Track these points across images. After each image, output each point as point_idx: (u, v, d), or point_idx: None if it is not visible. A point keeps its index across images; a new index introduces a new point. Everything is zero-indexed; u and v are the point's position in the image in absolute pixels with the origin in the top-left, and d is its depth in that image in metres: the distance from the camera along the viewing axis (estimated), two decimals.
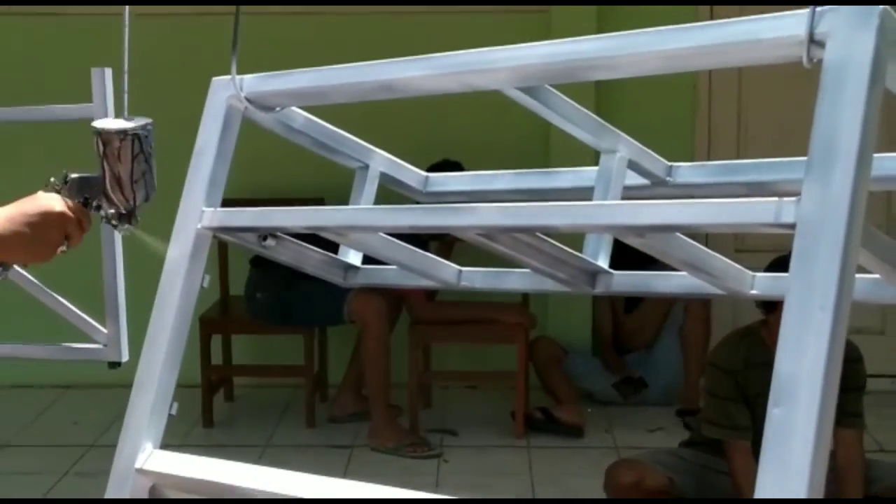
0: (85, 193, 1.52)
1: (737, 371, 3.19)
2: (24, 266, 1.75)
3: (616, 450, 4.31)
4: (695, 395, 4.67)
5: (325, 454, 4.11)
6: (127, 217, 1.49)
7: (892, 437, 4.42)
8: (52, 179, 1.55)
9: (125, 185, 1.45)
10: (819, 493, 0.80)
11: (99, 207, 1.54)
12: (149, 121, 1.49)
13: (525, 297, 4.83)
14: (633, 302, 5.02)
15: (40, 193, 1.53)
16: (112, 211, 1.51)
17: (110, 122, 1.50)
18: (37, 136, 4.22)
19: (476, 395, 4.84)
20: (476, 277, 1.57)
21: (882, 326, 5.19)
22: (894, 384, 5.12)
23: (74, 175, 1.53)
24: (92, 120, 2.05)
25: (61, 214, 1.51)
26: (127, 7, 1.75)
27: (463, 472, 4.10)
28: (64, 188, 1.54)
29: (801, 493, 0.78)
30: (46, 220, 1.50)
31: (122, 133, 1.44)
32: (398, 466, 4.11)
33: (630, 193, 1.50)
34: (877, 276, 1.15)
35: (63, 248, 1.54)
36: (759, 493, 0.81)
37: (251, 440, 4.35)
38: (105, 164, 1.48)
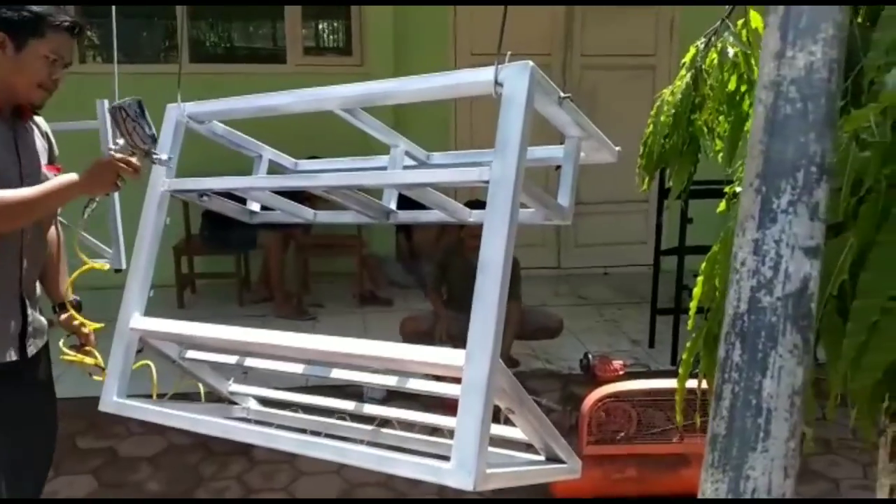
0: (128, 150, 1.61)
1: (445, 264, 4.10)
2: (104, 196, 1.81)
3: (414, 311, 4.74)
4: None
5: (250, 321, 4.24)
6: (146, 155, 1.56)
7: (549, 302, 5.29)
8: (110, 147, 1.69)
9: (130, 135, 1.56)
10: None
11: (133, 153, 1.62)
12: (131, 99, 1.54)
13: (359, 229, 5.35)
14: (409, 233, 5.67)
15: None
16: (138, 150, 1.59)
17: (114, 103, 1.57)
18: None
19: (333, 286, 5.45)
20: (324, 216, 1.75)
21: (543, 241, 6.06)
22: (548, 272, 6.07)
23: (120, 141, 1.62)
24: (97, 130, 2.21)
25: (109, 162, 1.66)
26: (114, 8, 1.79)
27: (327, 329, 4.64)
28: (114, 147, 1.66)
29: (491, 331, 0.96)
30: (100, 166, 1.68)
31: (113, 109, 1.56)
32: (289, 325, 4.59)
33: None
34: (532, 209, 1.31)
35: (122, 183, 1.71)
36: (473, 321, 0.99)
37: (206, 316, 4.67)
38: (118, 128, 1.57)
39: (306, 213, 1.73)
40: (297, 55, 5.72)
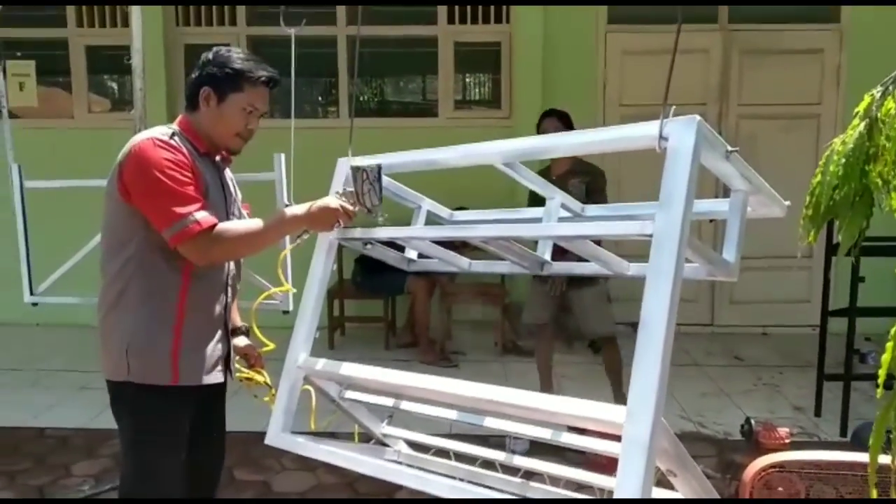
0: (351, 199, 1.72)
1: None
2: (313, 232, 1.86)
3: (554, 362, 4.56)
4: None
5: (396, 365, 3.68)
6: (369, 211, 1.67)
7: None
8: (336, 190, 1.77)
9: (360, 195, 1.66)
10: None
11: (354, 204, 1.71)
12: (375, 164, 1.63)
13: (502, 279, 5.43)
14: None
15: (331, 196, 1.78)
16: (361, 208, 1.69)
17: (355, 162, 1.68)
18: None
19: (475, 334, 5.53)
20: (479, 266, 1.82)
21: (695, 296, 5.89)
22: (699, 329, 5.80)
23: (348, 189, 1.72)
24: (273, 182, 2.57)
25: (335, 209, 1.74)
26: (293, 68, 2.07)
27: (468, 377, 4.20)
28: (343, 194, 1.76)
29: (654, 388, 0.96)
30: (327, 210, 1.75)
31: (355, 169, 1.65)
32: (431, 371, 4.17)
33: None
34: (696, 264, 1.30)
35: (338, 225, 1.77)
36: (634, 375, 0.98)
37: (354, 358, 4.13)
38: (354, 184, 1.67)
39: (462, 263, 1.79)
40: (448, 108, 5.92)
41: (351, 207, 1.70)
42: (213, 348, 2.01)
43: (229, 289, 2.07)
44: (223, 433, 2.23)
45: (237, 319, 2.25)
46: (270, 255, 1.93)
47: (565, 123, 3.90)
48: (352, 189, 1.66)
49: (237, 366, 2.18)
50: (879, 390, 1.16)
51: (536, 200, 3.86)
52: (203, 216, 1.80)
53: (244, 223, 1.91)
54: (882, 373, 1.15)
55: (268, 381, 2.13)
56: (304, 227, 1.83)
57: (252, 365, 2.19)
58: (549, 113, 4.00)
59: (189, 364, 1.94)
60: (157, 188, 1.79)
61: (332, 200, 1.74)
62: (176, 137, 1.89)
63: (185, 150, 1.87)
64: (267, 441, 1.58)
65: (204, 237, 1.80)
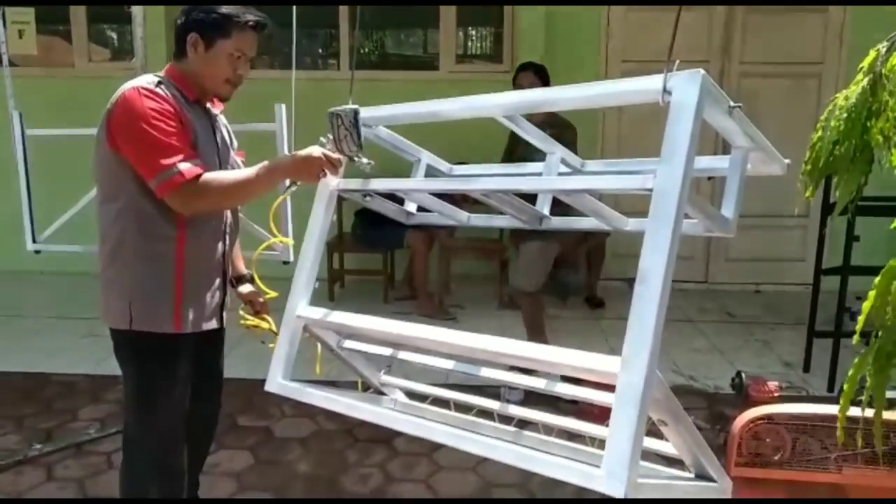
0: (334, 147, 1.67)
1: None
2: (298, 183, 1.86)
3: (548, 317, 4.54)
4: (593, 290, 5.37)
5: (395, 318, 3.51)
6: (351, 159, 1.64)
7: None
8: (321, 139, 1.74)
9: (338, 142, 1.63)
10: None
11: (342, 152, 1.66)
12: (351, 108, 1.59)
13: (501, 234, 5.41)
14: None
15: (314, 146, 1.75)
16: (344, 155, 1.66)
17: (333, 109, 1.62)
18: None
19: (474, 288, 5.55)
20: (478, 220, 1.80)
21: (691, 253, 5.81)
22: (694, 286, 5.76)
23: (329, 135, 1.67)
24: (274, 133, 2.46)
25: (318, 158, 1.72)
26: (294, 16, 1.98)
27: (466, 330, 4.88)
28: (325, 142, 1.73)
29: (648, 340, 0.95)
30: (309, 159, 1.74)
31: (331, 114, 1.61)
32: (430, 324, 4.18)
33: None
34: (695, 220, 1.29)
35: (323, 175, 1.74)
36: (630, 327, 0.97)
37: (354, 310, 4.10)
38: (332, 130, 1.63)
39: (461, 216, 1.77)
40: (450, 62, 5.86)
41: (336, 156, 1.68)
42: (212, 296, 2.03)
43: (227, 237, 2.07)
44: (220, 381, 2.25)
45: (241, 267, 2.26)
46: (269, 206, 1.92)
47: (541, 78, 3.84)
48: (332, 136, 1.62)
49: (241, 312, 2.19)
50: (856, 337, 1.17)
51: (512, 156, 3.97)
52: (187, 167, 1.78)
53: (229, 174, 1.88)
54: (861, 319, 1.15)
55: (273, 327, 2.15)
56: (289, 178, 1.82)
57: (258, 312, 2.21)
58: (525, 66, 3.94)
59: (190, 312, 1.96)
60: (143, 139, 1.77)
61: (315, 150, 1.71)
62: (162, 86, 1.86)
63: (171, 99, 1.84)
64: (267, 387, 1.60)
65: (188, 188, 1.78)
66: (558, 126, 3.67)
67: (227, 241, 2.08)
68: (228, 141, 2.10)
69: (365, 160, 1.59)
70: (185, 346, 1.97)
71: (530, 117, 1.54)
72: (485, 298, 5.42)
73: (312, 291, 1.62)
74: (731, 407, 3.49)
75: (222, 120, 2.11)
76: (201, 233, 1.96)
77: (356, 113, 1.55)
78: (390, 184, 1.56)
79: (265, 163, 1.84)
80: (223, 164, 2.01)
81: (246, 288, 2.22)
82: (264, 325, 2.17)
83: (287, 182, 1.86)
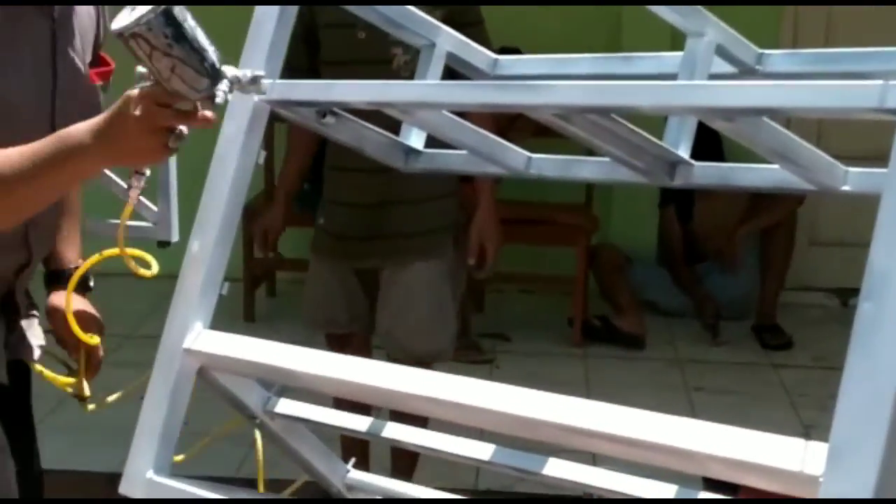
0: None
1: None
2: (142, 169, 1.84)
3: (678, 363, 4.98)
4: (772, 311, 5.45)
5: (374, 355, 4.16)
6: (208, 97, 1.56)
7: None
8: (142, 83, 1.62)
9: (163, 79, 1.55)
10: None
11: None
12: (150, 12, 1.48)
13: (588, 199, 5.52)
14: (688, 212, 5.69)
15: (131, 93, 1.64)
16: (194, 97, 1.58)
17: (117, 26, 1.51)
18: None
19: (531, 300, 5.56)
20: (546, 165, 1.79)
21: None
22: None
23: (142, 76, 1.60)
24: None
25: (145, 114, 1.61)
26: None
27: (515, 380, 3.71)
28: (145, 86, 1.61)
29: (890, 387, 0.97)
30: (129, 130, 1.65)
31: (120, 36, 1.51)
32: (447, 370, 4.36)
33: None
34: None
35: (173, 143, 1.66)
36: (846, 382, 0.99)
37: (295, 338, 4.16)
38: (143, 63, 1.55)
39: (515, 160, 1.78)
40: None
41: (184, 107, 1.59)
42: None
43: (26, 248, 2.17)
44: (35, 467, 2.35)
45: (68, 256, 2.39)
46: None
47: None
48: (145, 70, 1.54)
49: (32, 341, 2.29)
50: None
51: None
52: None
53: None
54: None
55: (84, 388, 2.30)
56: (102, 166, 1.89)
57: (72, 346, 2.32)
58: None
59: None
60: None
61: (134, 106, 1.61)
62: None
63: None
64: (121, 489, 1.63)
65: None
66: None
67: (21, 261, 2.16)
68: (81, 55, 2.19)
69: (250, 74, 1.54)
70: None
71: None
72: (551, 322, 5.50)
73: (217, 301, 1.65)
74: None
75: (83, 23, 2.21)
76: None
77: (167, 13, 1.47)
78: (375, 90, 1.57)
79: (54, 142, 1.80)
80: (59, 96, 2.12)
81: (58, 298, 2.29)
82: (63, 379, 2.30)
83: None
